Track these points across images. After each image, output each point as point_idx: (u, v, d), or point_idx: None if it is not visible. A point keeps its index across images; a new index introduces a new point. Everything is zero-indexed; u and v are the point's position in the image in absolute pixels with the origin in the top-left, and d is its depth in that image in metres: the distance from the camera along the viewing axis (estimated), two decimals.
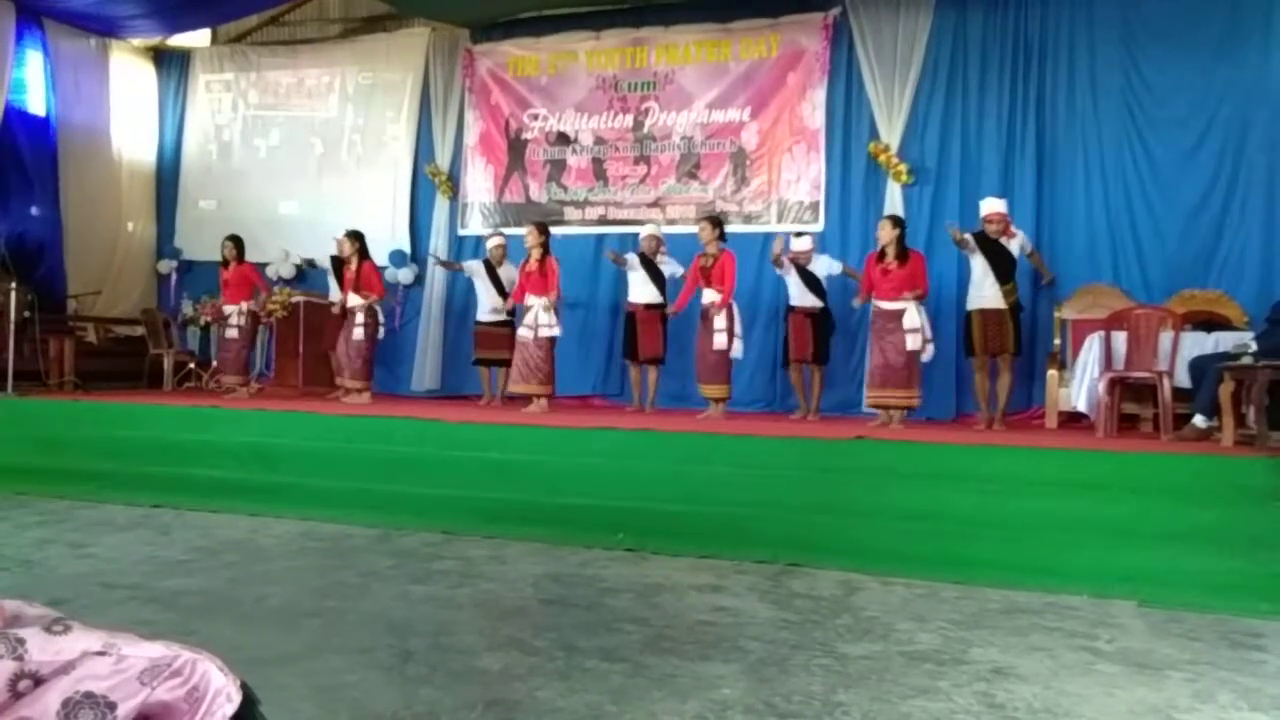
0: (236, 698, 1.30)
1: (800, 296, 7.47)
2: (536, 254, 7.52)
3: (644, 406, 7.80)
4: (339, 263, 8.46)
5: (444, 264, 9.14)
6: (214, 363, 9.48)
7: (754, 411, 8.09)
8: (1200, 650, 3.10)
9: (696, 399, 7.59)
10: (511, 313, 8.05)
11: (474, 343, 8.54)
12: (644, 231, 7.98)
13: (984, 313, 6.71)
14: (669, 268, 7.86)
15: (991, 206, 6.79)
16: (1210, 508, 4.39)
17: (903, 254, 6.72)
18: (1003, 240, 6.70)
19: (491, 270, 8.41)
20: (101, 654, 1.25)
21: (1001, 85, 8.03)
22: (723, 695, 2.57)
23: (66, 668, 1.22)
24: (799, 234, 7.65)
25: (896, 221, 6.84)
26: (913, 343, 6.57)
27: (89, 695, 1.22)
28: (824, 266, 7.53)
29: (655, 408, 7.81)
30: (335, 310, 8.30)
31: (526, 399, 7.60)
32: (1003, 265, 6.65)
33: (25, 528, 4.87)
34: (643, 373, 7.88)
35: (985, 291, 6.69)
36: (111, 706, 1.23)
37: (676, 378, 8.21)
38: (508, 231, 8.94)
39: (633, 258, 7.84)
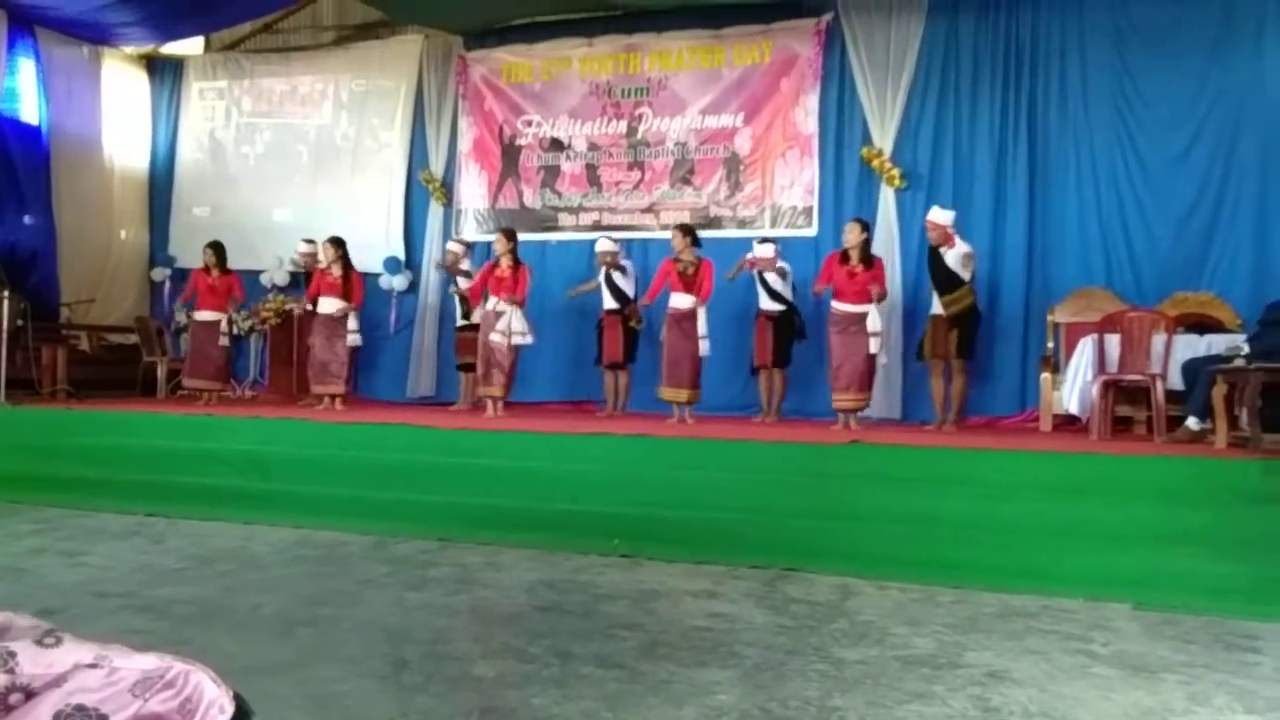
0: (230, 709, 1.30)
1: (764, 300, 7.59)
2: (507, 260, 7.55)
3: (614, 410, 7.88)
4: (308, 273, 8.53)
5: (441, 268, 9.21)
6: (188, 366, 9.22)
7: (728, 415, 8.05)
8: (1196, 653, 3.11)
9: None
10: (468, 315, 8.00)
11: (455, 349, 8.64)
12: (599, 247, 8.04)
13: (934, 319, 6.99)
14: (619, 274, 7.93)
15: (931, 215, 6.99)
16: (1204, 510, 4.40)
17: (867, 258, 6.82)
18: (942, 250, 6.84)
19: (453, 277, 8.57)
20: (93, 666, 1.25)
21: (993, 90, 8.06)
22: (719, 701, 2.57)
23: (58, 680, 1.21)
24: (763, 240, 7.66)
25: (864, 225, 7.00)
26: (874, 345, 6.74)
27: (80, 708, 1.21)
28: (777, 279, 7.54)
29: (624, 411, 7.86)
30: (303, 309, 8.32)
31: (527, 404, 7.67)
32: (937, 276, 6.88)
33: (18, 536, 4.86)
34: (616, 378, 8.01)
35: (935, 300, 6.98)
36: (104, 719, 1.22)
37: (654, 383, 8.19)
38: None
39: (601, 275, 7.96)
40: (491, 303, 7.56)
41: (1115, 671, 2.89)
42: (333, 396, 8.06)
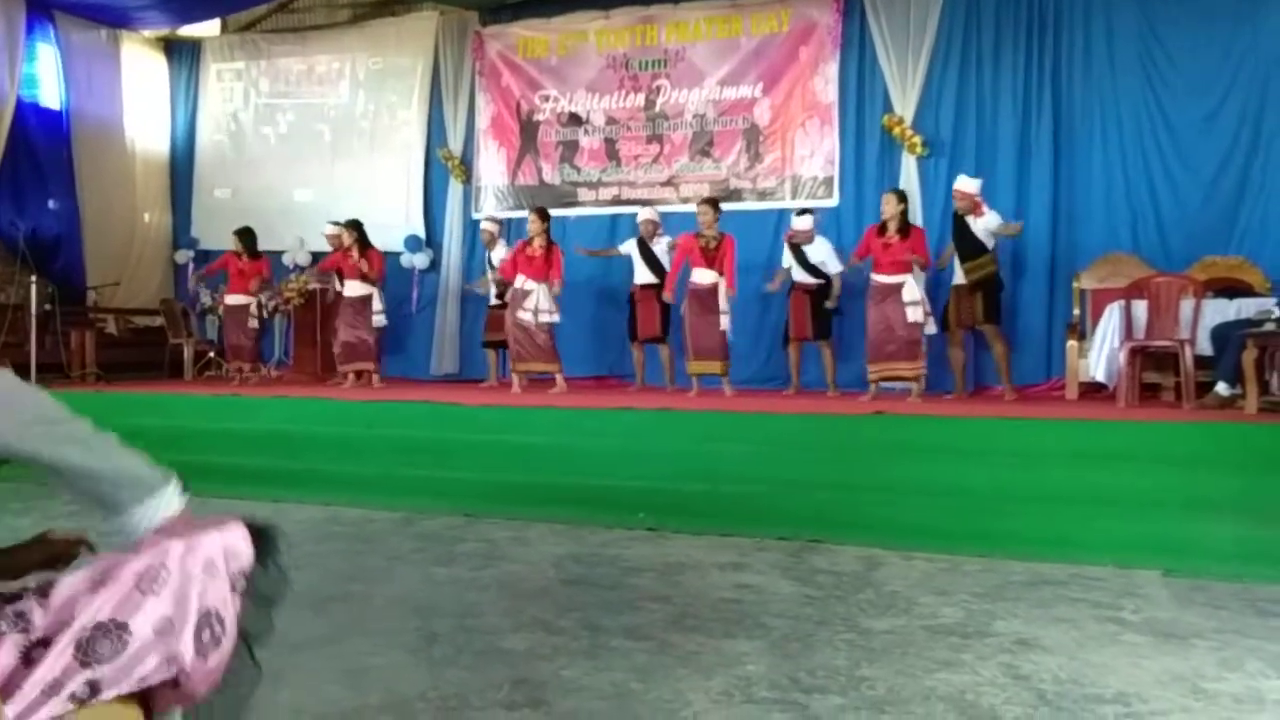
0: (240, 530, 1.44)
1: (800, 274, 7.52)
2: (540, 241, 7.54)
3: (666, 385, 7.84)
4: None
5: (469, 289, 9.26)
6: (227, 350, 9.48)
7: (771, 389, 8.05)
8: (1226, 619, 3.09)
9: (712, 377, 7.54)
10: (502, 295, 8.03)
11: (484, 326, 8.66)
12: (641, 215, 7.99)
13: (956, 288, 7.04)
14: (662, 246, 7.86)
15: (958, 184, 7.05)
16: (1234, 476, 4.37)
17: (904, 228, 6.78)
18: (969, 219, 6.87)
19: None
20: (91, 590, 1.30)
21: (1016, 54, 7.93)
22: (747, 671, 2.58)
23: (68, 620, 1.26)
24: (801, 212, 7.61)
25: (901, 196, 6.92)
26: (913, 315, 6.66)
27: (98, 626, 1.27)
28: (821, 253, 7.49)
29: (675, 386, 7.81)
30: (328, 286, 8.55)
31: (546, 380, 7.69)
32: (963, 245, 6.93)
33: (53, 518, 4.93)
34: (647, 352, 7.96)
35: (957, 269, 7.02)
36: (122, 627, 1.27)
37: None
38: (519, 215, 8.95)
39: (630, 244, 7.92)
40: (519, 280, 7.56)
41: (1145, 638, 2.88)
42: (359, 373, 8.14)
